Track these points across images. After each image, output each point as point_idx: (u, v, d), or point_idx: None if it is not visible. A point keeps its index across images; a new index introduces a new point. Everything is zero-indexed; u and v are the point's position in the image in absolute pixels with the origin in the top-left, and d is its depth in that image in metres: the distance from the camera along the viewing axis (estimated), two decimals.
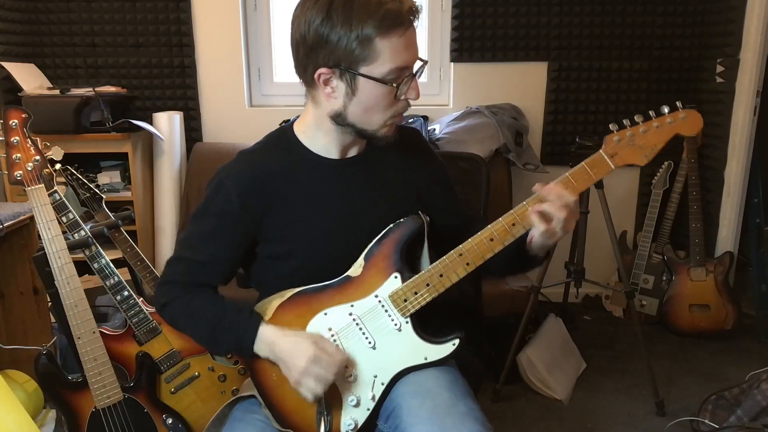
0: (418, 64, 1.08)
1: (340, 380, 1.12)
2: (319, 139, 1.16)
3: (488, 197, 1.64)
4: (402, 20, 1.01)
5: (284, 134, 1.20)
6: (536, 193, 1.07)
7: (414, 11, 1.03)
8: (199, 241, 1.17)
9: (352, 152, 1.19)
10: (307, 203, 1.15)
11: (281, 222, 1.15)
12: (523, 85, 2.95)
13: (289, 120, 2.81)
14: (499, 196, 2.65)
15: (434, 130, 2.74)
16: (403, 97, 1.08)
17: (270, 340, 1.10)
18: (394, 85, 1.05)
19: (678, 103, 1.06)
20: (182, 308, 1.16)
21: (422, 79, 1.12)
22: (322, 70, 1.05)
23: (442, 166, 1.29)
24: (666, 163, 2.89)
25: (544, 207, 1.04)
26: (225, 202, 1.13)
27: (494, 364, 2.34)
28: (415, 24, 1.05)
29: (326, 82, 1.06)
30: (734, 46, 2.70)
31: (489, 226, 1.09)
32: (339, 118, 1.10)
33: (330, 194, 1.16)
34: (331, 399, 1.12)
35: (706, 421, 1.98)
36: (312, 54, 1.04)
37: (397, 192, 1.20)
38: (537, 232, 1.07)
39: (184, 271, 1.17)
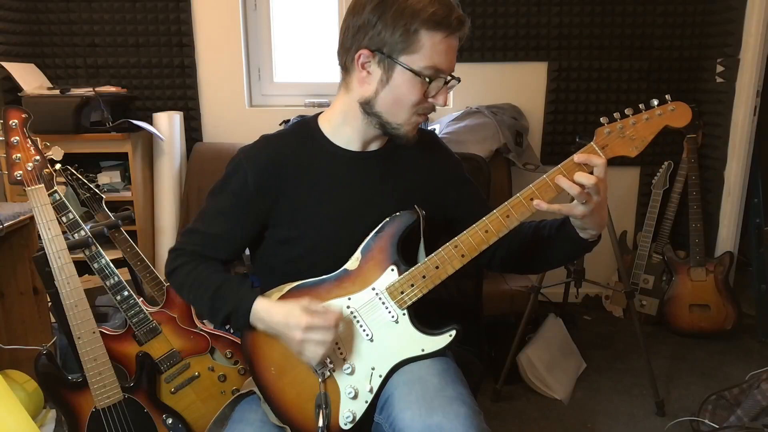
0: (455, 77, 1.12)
1: (339, 373, 1.13)
2: (343, 130, 1.19)
3: (489, 197, 1.64)
4: (449, 23, 1.06)
5: (307, 124, 1.24)
6: (529, 186, 1.08)
7: (461, 22, 1.08)
8: (213, 215, 1.21)
9: (372, 147, 1.22)
10: (319, 191, 1.18)
11: (292, 207, 1.18)
12: (523, 85, 2.95)
13: (289, 120, 2.83)
14: (500, 195, 2.64)
15: (434, 129, 2.74)
16: (431, 98, 1.12)
17: (262, 314, 1.12)
18: (428, 80, 1.08)
19: (667, 96, 1.08)
20: (188, 273, 1.19)
21: None
22: (364, 51, 1.09)
23: (457, 163, 1.32)
24: (666, 163, 2.89)
25: (576, 177, 1.04)
26: (242, 182, 1.17)
27: (494, 364, 2.35)
28: (460, 36, 1.09)
29: (363, 66, 1.10)
30: (734, 46, 2.70)
31: (483, 218, 1.10)
32: (367, 106, 1.13)
33: (343, 185, 1.19)
34: (330, 392, 1.13)
35: (706, 421, 1.98)
36: (358, 34, 1.09)
37: (408, 189, 1.22)
38: (574, 209, 1.07)
39: (195, 241, 1.21)
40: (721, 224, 2.89)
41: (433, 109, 1.15)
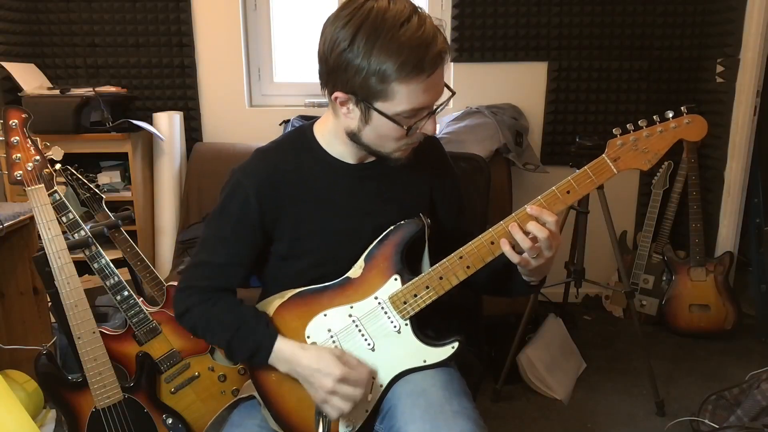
0: (445, 95, 1.06)
1: None
2: (337, 145, 1.16)
3: (489, 197, 1.64)
4: (423, 67, 0.97)
5: (303, 134, 1.19)
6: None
7: (441, 56, 0.99)
8: (217, 243, 1.16)
9: (369, 159, 1.19)
10: (320, 204, 1.15)
11: (294, 222, 1.15)
12: (523, 85, 2.95)
13: (289, 120, 2.82)
14: (499, 196, 2.65)
15: None
16: (418, 131, 1.06)
17: (288, 357, 1.09)
18: (405, 127, 1.03)
19: (683, 108, 1.05)
20: (200, 316, 1.16)
21: None
22: (338, 93, 1.03)
23: (454, 180, 1.29)
24: (666, 163, 2.89)
25: (528, 227, 1.03)
26: (243, 202, 1.13)
27: (494, 364, 2.35)
28: (442, 66, 1.01)
29: (342, 104, 1.05)
30: (734, 46, 2.70)
31: (490, 229, 1.08)
32: (354, 137, 1.10)
33: (343, 197, 1.16)
34: None
35: (706, 421, 1.98)
36: (331, 75, 1.03)
37: (409, 199, 1.20)
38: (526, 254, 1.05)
39: (202, 275, 1.17)
40: (721, 224, 2.89)
41: (423, 136, 1.10)
